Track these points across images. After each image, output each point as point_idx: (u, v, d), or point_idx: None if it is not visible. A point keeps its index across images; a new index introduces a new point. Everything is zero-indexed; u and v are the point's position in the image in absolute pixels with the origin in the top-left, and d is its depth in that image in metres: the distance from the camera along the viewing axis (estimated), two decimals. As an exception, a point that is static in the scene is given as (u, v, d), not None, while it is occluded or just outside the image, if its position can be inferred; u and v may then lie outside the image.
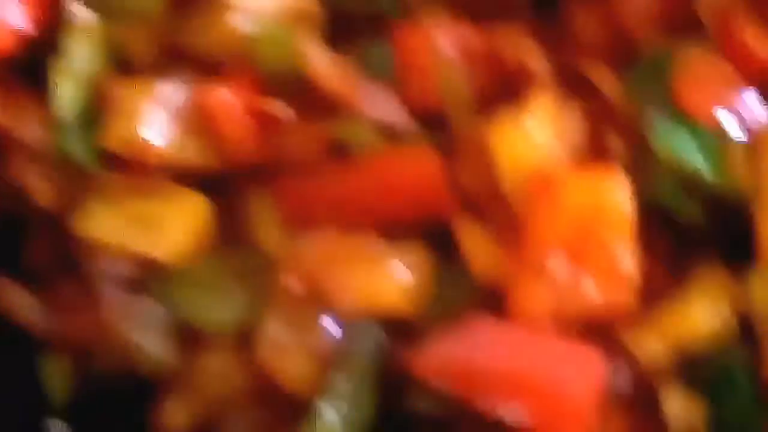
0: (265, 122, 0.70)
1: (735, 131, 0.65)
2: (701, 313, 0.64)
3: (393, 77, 0.70)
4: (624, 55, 0.71)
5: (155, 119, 0.69)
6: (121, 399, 0.75)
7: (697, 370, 0.66)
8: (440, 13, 0.73)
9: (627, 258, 0.63)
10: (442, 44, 0.71)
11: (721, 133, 0.64)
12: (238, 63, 0.71)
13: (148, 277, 0.73)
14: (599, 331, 0.65)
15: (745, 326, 0.66)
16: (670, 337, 0.65)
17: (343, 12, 0.74)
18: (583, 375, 0.63)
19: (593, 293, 0.64)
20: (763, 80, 0.66)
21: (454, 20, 0.72)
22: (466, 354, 0.65)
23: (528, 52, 0.70)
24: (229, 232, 0.71)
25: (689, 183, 0.66)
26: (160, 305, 0.72)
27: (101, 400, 0.76)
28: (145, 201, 0.70)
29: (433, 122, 0.70)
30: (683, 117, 0.65)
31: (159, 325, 0.72)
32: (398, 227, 0.69)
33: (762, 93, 0.67)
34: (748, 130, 0.65)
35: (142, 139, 0.68)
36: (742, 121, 0.65)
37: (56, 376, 0.77)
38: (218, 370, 0.72)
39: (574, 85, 0.69)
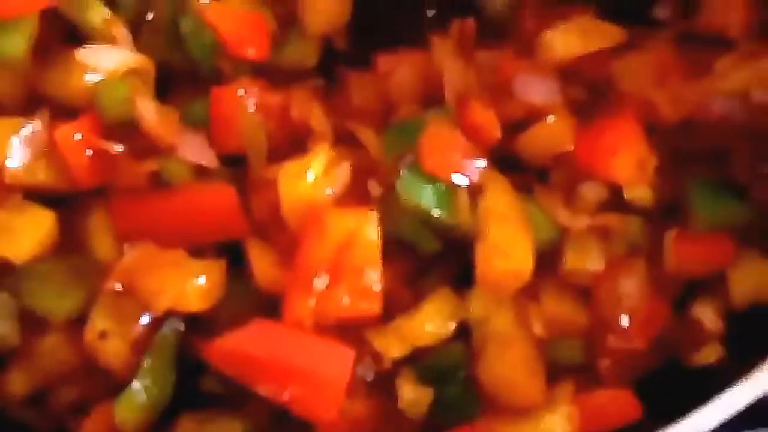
0: (101, 155, 0.73)
1: (462, 184, 0.71)
2: (431, 321, 0.70)
3: (207, 126, 0.76)
4: (386, 118, 0.78)
5: (15, 148, 0.73)
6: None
7: (425, 363, 0.72)
8: (247, 78, 0.78)
9: (375, 278, 0.69)
10: (247, 103, 0.76)
11: (452, 185, 0.71)
12: (86, 108, 0.74)
13: (0, 272, 0.76)
14: (351, 333, 0.71)
15: (464, 331, 0.72)
16: (406, 338, 0.71)
17: (171, 73, 0.79)
18: (336, 365, 0.69)
19: (347, 304, 0.69)
20: (486, 147, 0.72)
21: (256, 84, 0.78)
22: (246, 346, 0.70)
23: (313, 113, 0.76)
24: (70, 240, 0.75)
25: (427, 222, 0.72)
26: (9, 295, 0.75)
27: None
28: (1, 212, 0.73)
29: (235, 164, 0.77)
30: (424, 171, 0.70)
31: (6, 311, 0.75)
32: (202, 244, 0.74)
33: (485, 156, 0.73)
34: (471, 184, 0.71)
35: (4, 164, 0.73)
36: (468, 177, 0.71)
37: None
38: (53, 349, 0.75)
39: (346, 140, 0.76)
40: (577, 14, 0.77)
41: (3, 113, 0.75)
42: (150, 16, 0.80)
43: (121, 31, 0.76)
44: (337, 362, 0.69)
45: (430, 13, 0.83)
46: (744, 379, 0.64)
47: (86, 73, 0.74)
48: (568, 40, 0.75)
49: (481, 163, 0.71)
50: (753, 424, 0.74)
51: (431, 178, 0.70)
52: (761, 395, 0.65)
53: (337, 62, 0.82)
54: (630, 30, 0.76)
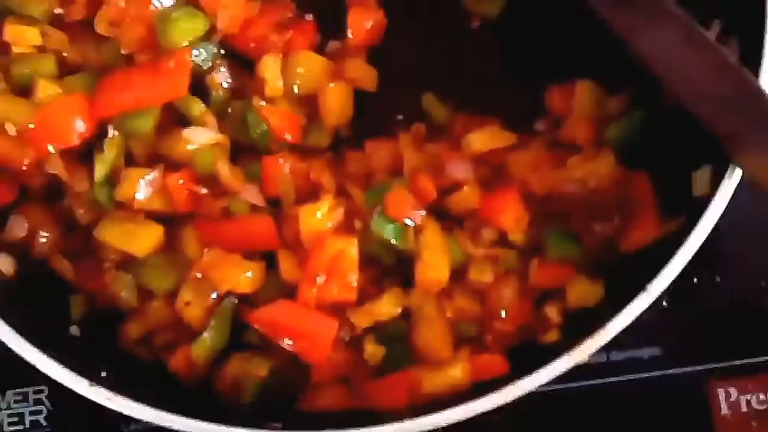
0: (194, 194, 0.84)
1: (410, 224, 0.82)
2: (387, 306, 0.82)
3: (259, 180, 0.86)
4: (368, 182, 0.88)
5: (141, 186, 0.83)
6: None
7: (382, 331, 0.83)
8: (285, 152, 0.87)
9: (353, 279, 0.81)
10: (284, 168, 0.86)
11: (404, 225, 0.82)
12: (186, 165, 0.85)
13: (128, 262, 0.86)
14: (338, 311, 0.82)
15: (406, 314, 0.82)
16: (371, 316, 0.82)
17: (240, 146, 0.88)
18: (326, 330, 0.81)
19: (336, 294, 0.81)
20: (426, 203, 0.83)
21: (291, 156, 0.87)
22: (274, 315, 0.82)
23: (324, 176, 0.87)
24: (171, 244, 0.86)
25: (388, 246, 0.83)
26: (132, 276, 0.85)
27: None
28: (131, 224, 0.84)
29: (275, 204, 0.86)
30: (388, 216, 0.82)
31: (130, 285, 0.86)
32: (251, 251, 0.85)
33: (425, 208, 0.83)
34: (416, 225, 0.82)
35: (134, 196, 0.83)
36: (414, 220, 0.82)
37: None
38: (157, 310, 0.86)
39: (343, 194, 0.87)
40: (488, 124, 0.87)
41: (136, 165, 0.86)
42: (229, 110, 0.89)
43: (211, 119, 0.86)
44: (327, 328, 0.81)
45: (399, 117, 0.92)
46: (569, 353, 0.74)
47: (188, 144, 0.85)
48: (481, 139, 0.86)
49: (422, 213, 0.83)
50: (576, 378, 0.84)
51: (392, 220, 0.81)
52: (578, 362, 0.74)
53: (342, 143, 0.92)
54: (520, 135, 0.87)
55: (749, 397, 0.86)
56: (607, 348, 0.75)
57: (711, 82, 0.74)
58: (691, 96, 0.75)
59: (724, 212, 0.74)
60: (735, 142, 0.74)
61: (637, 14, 0.76)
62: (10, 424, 0.86)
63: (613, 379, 0.84)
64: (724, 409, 0.85)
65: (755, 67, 0.74)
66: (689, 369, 0.85)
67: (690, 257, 0.73)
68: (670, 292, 0.75)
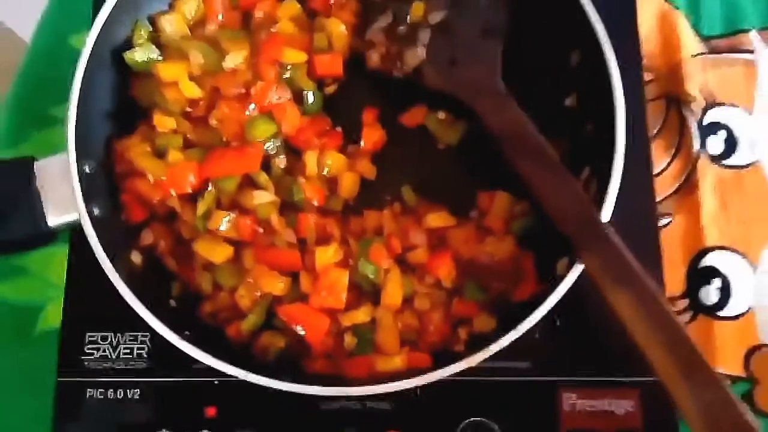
0: (255, 230, 0.87)
1: (382, 267, 0.84)
2: (362, 315, 0.83)
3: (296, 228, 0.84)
4: (362, 236, 0.87)
5: (224, 222, 0.85)
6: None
7: (356, 329, 0.84)
8: (313, 210, 0.87)
9: (343, 296, 0.83)
10: (311, 222, 0.86)
11: (379, 267, 0.83)
12: (252, 212, 0.87)
13: (209, 267, 0.86)
14: (332, 314, 0.83)
15: (374, 321, 0.83)
16: (351, 319, 0.83)
17: (287, 203, 0.87)
18: (322, 324, 0.83)
19: (332, 302, 0.83)
20: (394, 256, 0.85)
21: (317, 213, 0.88)
22: (293, 311, 0.85)
23: (334, 230, 0.87)
24: (237, 259, 0.86)
25: (366, 278, 0.84)
26: (210, 277, 0.85)
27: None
28: (210, 243, 0.85)
29: (302, 244, 0.86)
30: (370, 260, 0.83)
31: (210, 286, 0.87)
32: (284, 271, 0.85)
33: (393, 258, 0.85)
34: (384, 268, 0.83)
35: (219, 227, 0.84)
36: (383, 265, 0.83)
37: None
38: (222, 298, 0.86)
39: (345, 243, 0.87)
40: (440, 210, 0.89)
41: (222, 208, 0.86)
42: (283, 181, 0.89)
43: (271, 186, 0.88)
44: (323, 323, 0.83)
45: (387, 197, 0.94)
46: (469, 358, 0.76)
47: (255, 200, 0.87)
48: (434, 219, 0.88)
49: (391, 261, 0.85)
50: (470, 374, 0.77)
51: (372, 263, 0.84)
52: (474, 364, 0.74)
53: (349, 210, 0.93)
54: (458, 219, 0.88)
55: (585, 401, 0.84)
56: (494, 358, 0.76)
57: (568, 207, 0.78)
58: (554, 213, 0.79)
59: (573, 283, 0.76)
60: (578, 247, 0.77)
61: (528, 165, 0.82)
62: (124, 353, 0.86)
63: (495, 379, 0.85)
64: (567, 407, 0.84)
65: (601, 203, 0.79)
66: (547, 378, 0.85)
67: (551, 308, 0.76)
68: (539, 328, 0.77)
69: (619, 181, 0.77)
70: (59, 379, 0.82)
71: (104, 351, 0.85)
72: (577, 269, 0.76)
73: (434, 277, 0.85)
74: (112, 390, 0.83)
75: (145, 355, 0.86)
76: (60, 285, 0.84)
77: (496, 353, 0.74)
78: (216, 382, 0.81)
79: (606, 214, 0.77)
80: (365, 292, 0.84)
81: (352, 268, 0.83)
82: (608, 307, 0.71)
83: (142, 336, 0.86)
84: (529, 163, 0.79)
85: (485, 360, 0.74)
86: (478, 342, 0.78)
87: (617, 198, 0.77)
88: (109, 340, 0.85)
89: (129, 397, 0.83)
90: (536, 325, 0.75)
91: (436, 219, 0.87)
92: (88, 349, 0.85)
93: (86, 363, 0.84)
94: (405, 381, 0.75)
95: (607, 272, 0.72)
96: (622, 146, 0.78)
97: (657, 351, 0.65)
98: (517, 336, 0.75)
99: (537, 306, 0.76)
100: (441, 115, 0.91)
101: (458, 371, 0.75)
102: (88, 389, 0.83)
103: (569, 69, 0.85)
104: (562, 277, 0.77)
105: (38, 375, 0.83)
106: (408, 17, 0.89)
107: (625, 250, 0.72)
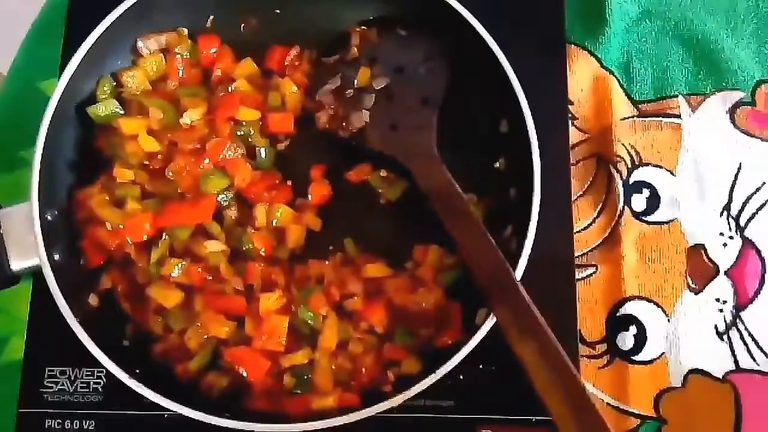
0: (205, 278, 0.90)
1: (322, 313, 0.88)
2: (301, 357, 0.87)
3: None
4: (304, 284, 0.89)
5: (176, 268, 0.88)
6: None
7: (294, 370, 0.87)
8: (260, 259, 0.90)
9: (283, 339, 0.85)
10: (258, 270, 0.90)
11: (318, 313, 0.87)
12: (204, 260, 0.90)
13: (160, 311, 0.88)
14: (273, 356, 0.86)
15: (312, 363, 0.85)
16: (291, 361, 0.86)
17: (236, 252, 0.90)
18: (263, 365, 0.86)
19: (274, 346, 0.85)
20: (335, 304, 0.89)
21: (264, 262, 0.90)
22: (236, 353, 0.86)
23: (279, 275, 0.90)
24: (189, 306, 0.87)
25: (307, 324, 0.88)
26: (164, 321, 0.88)
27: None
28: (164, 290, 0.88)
29: (249, 289, 0.89)
30: (309, 307, 0.87)
31: (160, 327, 0.89)
32: (230, 315, 0.88)
33: (333, 306, 0.88)
34: (323, 315, 0.87)
35: (171, 273, 0.86)
36: (324, 312, 0.88)
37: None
38: (182, 341, 0.87)
39: (289, 289, 0.89)
40: (377, 261, 0.91)
41: (175, 256, 0.90)
42: (233, 232, 0.93)
43: (222, 236, 0.91)
44: (264, 364, 0.87)
45: (330, 248, 0.96)
46: (395, 397, 0.81)
47: (207, 249, 0.90)
48: (372, 270, 0.92)
49: (328, 309, 0.89)
50: (397, 412, 0.83)
51: (311, 310, 0.89)
52: (399, 404, 0.79)
53: (294, 259, 0.96)
54: (394, 271, 0.92)
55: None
56: (420, 397, 0.81)
57: (484, 262, 0.84)
58: (472, 267, 0.85)
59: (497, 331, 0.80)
60: (491, 300, 0.83)
61: (452, 222, 0.87)
62: (81, 387, 0.89)
63: (421, 416, 0.88)
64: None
65: (517, 260, 0.84)
66: (467, 416, 0.88)
67: (473, 352, 0.82)
68: (464, 371, 0.85)
69: (531, 243, 0.83)
70: (20, 410, 0.86)
71: (62, 384, 0.88)
72: (493, 319, 0.80)
73: (368, 324, 0.87)
74: (69, 421, 0.86)
75: (100, 390, 0.88)
76: (25, 319, 0.87)
77: (424, 392, 0.78)
78: (165, 416, 0.83)
79: (519, 270, 0.81)
80: (304, 335, 0.86)
81: (293, 314, 0.86)
82: (513, 354, 0.76)
83: (98, 372, 0.88)
84: (453, 221, 0.84)
85: (414, 398, 0.78)
86: (405, 383, 0.81)
87: (540, 250, 0.82)
88: (68, 374, 0.88)
89: (85, 427, 0.86)
90: (460, 367, 0.78)
91: (374, 270, 0.90)
92: (48, 382, 0.88)
93: (45, 396, 0.87)
94: (336, 419, 0.79)
95: (515, 324, 0.77)
96: (536, 213, 0.84)
97: (554, 395, 0.71)
98: (436, 379, 0.78)
99: (456, 351, 0.80)
100: (383, 173, 0.93)
101: (384, 410, 0.79)
102: (47, 420, 0.86)
103: (499, 135, 0.91)
104: (479, 327, 0.81)
105: (1, 404, 0.86)
106: (355, 82, 0.93)
107: (532, 305, 0.77)
